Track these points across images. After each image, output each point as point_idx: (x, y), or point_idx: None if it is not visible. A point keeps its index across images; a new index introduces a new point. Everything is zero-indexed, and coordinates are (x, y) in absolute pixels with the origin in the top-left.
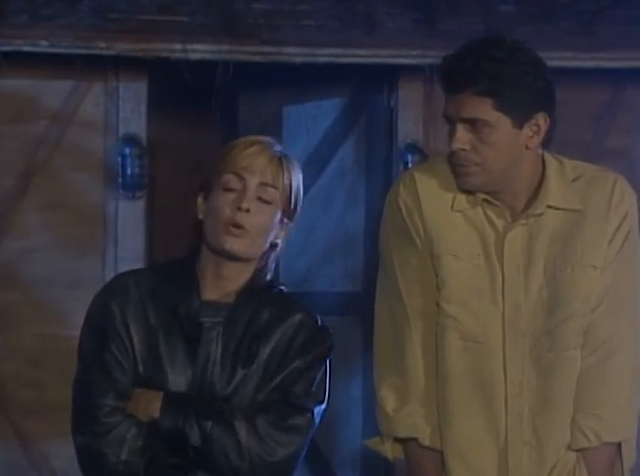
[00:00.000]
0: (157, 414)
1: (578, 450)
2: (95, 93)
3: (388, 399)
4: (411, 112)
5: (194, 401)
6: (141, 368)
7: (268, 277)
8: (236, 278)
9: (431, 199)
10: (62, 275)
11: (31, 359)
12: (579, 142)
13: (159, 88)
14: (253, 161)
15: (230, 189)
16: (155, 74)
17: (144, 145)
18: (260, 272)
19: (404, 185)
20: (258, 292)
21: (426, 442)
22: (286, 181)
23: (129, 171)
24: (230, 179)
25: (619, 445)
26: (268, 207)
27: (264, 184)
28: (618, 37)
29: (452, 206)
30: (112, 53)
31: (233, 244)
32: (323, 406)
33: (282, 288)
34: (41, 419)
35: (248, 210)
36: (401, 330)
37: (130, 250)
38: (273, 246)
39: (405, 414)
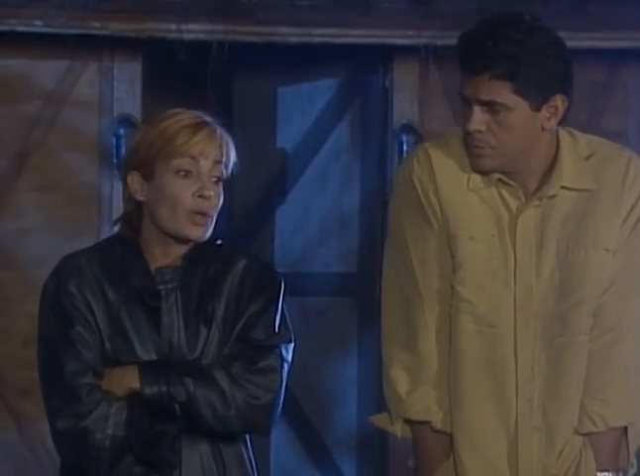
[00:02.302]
0: (134, 385)
1: (584, 434)
2: (90, 73)
3: (400, 379)
4: (406, 93)
5: (170, 364)
6: (107, 344)
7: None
8: (181, 247)
9: (446, 177)
10: (57, 255)
11: (25, 340)
12: (574, 122)
13: (153, 68)
14: (206, 145)
15: (185, 174)
16: (149, 55)
17: (138, 125)
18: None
19: (418, 161)
20: (201, 251)
21: (438, 426)
22: (228, 152)
23: (123, 151)
24: (184, 163)
25: (626, 428)
26: (220, 184)
27: (215, 163)
28: (613, 17)
29: (467, 185)
30: (107, 33)
31: (199, 233)
32: (292, 344)
33: (219, 241)
34: (36, 400)
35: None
36: (414, 310)
37: None
38: None
39: (418, 396)
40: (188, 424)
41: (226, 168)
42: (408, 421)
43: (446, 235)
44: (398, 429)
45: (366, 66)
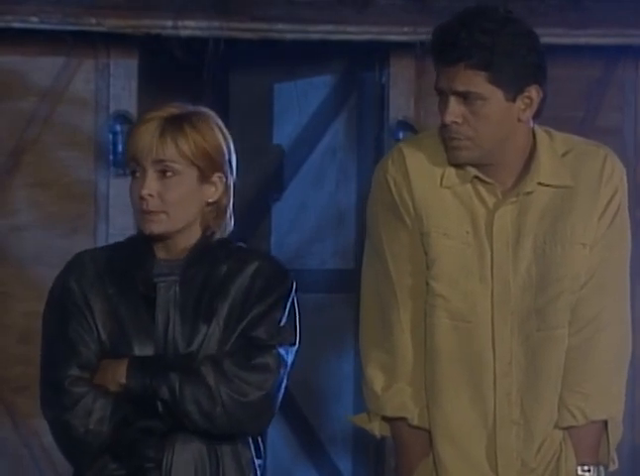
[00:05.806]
0: (124, 380)
1: (564, 428)
2: (85, 70)
3: (376, 377)
4: (402, 89)
5: (158, 359)
6: (105, 337)
7: (218, 235)
8: (184, 243)
9: (420, 176)
10: (53, 252)
11: (21, 336)
12: (570, 119)
13: (149, 65)
14: (139, 142)
15: (134, 175)
16: (145, 51)
17: (135, 122)
18: (206, 231)
19: (393, 161)
20: (211, 248)
21: (415, 422)
22: (186, 145)
23: (120, 148)
24: (130, 166)
25: (606, 422)
26: (175, 179)
27: (158, 162)
28: (610, 13)
29: (441, 183)
30: (102, 29)
31: (151, 228)
32: (294, 347)
33: (241, 244)
34: (31, 396)
35: (151, 195)
36: (389, 308)
37: (121, 227)
38: (211, 204)
39: (393, 393)
40: (176, 422)
41: (189, 157)
42: (386, 419)
43: (419, 233)
44: (376, 427)
45: (362, 63)
